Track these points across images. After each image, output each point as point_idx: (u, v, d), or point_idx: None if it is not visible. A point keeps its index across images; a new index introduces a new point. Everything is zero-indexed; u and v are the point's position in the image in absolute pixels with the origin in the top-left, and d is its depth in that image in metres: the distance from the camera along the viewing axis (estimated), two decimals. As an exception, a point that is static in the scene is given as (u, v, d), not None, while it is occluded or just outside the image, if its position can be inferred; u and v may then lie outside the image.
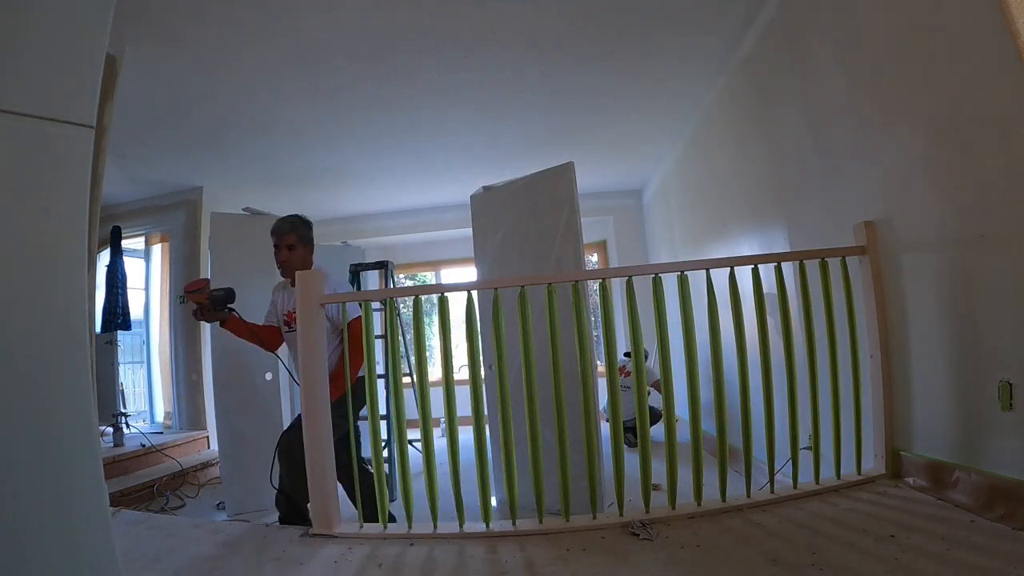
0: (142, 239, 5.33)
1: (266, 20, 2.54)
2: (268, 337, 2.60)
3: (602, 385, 2.07)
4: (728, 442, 1.98)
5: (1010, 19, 1.37)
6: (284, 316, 2.60)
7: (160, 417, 5.08)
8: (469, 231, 3.37)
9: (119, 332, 4.53)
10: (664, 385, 2.05)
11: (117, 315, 4.38)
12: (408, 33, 2.73)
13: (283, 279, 2.64)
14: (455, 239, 6.43)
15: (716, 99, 3.50)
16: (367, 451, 2.64)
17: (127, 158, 4.04)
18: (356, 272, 3.94)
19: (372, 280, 4.71)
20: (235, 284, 3.45)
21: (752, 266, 2.02)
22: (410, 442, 2.33)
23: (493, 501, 2.42)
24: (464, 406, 1.90)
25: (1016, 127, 1.42)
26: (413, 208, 6.07)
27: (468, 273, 6.94)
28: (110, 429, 4.05)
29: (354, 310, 2.38)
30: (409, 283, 7.33)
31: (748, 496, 1.93)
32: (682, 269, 1.99)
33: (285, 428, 2.62)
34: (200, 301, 2.36)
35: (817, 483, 1.98)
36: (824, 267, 2.03)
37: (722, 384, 1.94)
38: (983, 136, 1.55)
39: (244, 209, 3.72)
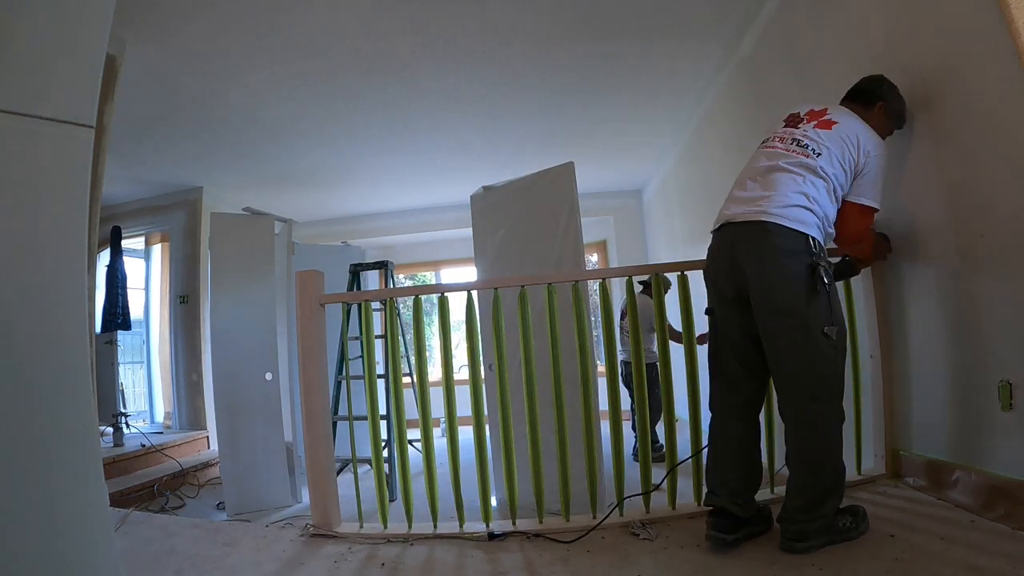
0: (142, 239, 5.34)
1: (266, 20, 2.54)
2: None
3: (602, 385, 2.06)
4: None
5: (1010, 19, 1.37)
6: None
7: (160, 417, 5.09)
8: (469, 231, 3.36)
9: (119, 332, 4.54)
10: (664, 385, 2.05)
11: (117, 315, 4.38)
12: (408, 33, 2.74)
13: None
14: (455, 239, 6.43)
15: (716, 99, 3.50)
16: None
17: (127, 158, 4.04)
18: (356, 272, 3.94)
19: (372, 280, 4.72)
20: (235, 284, 3.48)
21: (752, 266, 2.02)
22: (410, 442, 2.33)
23: (493, 501, 2.42)
24: (464, 406, 1.90)
25: (1016, 127, 1.42)
26: (413, 208, 6.07)
27: (468, 273, 6.94)
28: (110, 429, 4.05)
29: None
30: (409, 283, 7.33)
31: (748, 496, 1.93)
32: (682, 269, 1.99)
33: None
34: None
35: (817, 483, 1.97)
36: (824, 267, 2.03)
37: (722, 384, 1.94)
38: (983, 136, 1.55)
39: (244, 209, 3.73)
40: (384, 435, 3.21)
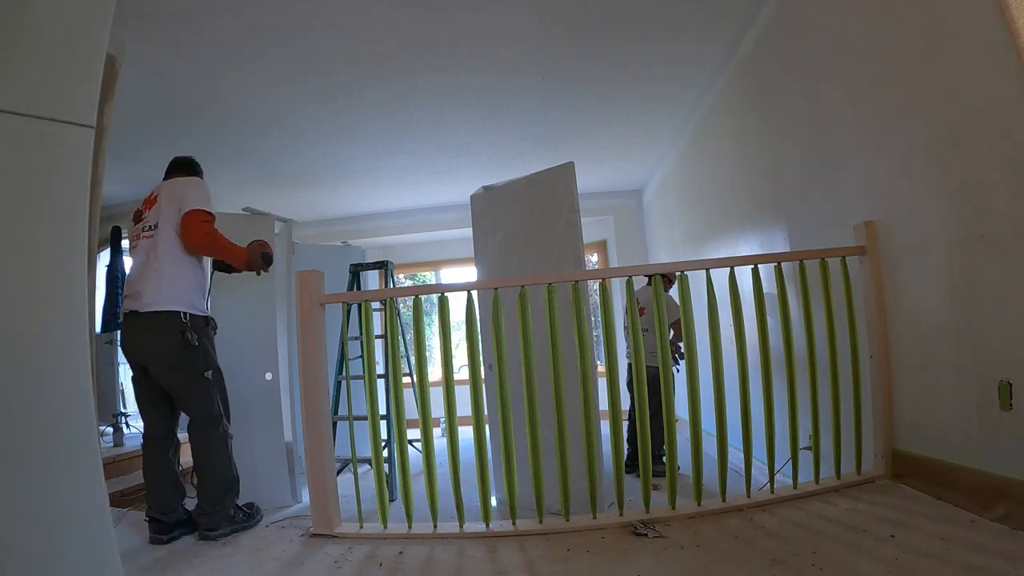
0: (142, 239, 5.31)
1: (266, 20, 2.54)
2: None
3: (602, 385, 2.05)
4: (728, 442, 1.98)
5: (1010, 19, 1.37)
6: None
7: (160, 417, 5.07)
8: (469, 231, 3.36)
9: (119, 332, 4.53)
10: (664, 385, 2.05)
11: (117, 315, 4.37)
12: (408, 34, 2.73)
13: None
14: (455, 239, 6.43)
15: (716, 99, 3.50)
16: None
17: (127, 158, 4.04)
18: (356, 272, 3.94)
19: (372, 280, 4.71)
20: (234, 284, 3.48)
21: (752, 266, 2.03)
22: (410, 442, 2.33)
23: (493, 501, 2.42)
24: (464, 406, 1.90)
25: (1015, 127, 1.42)
26: (413, 208, 6.07)
27: (468, 273, 6.94)
28: (110, 429, 4.06)
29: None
30: (409, 283, 7.33)
31: (748, 496, 1.93)
32: (682, 269, 2.00)
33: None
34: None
35: (817, 483, 1.98)
36: (824, 267, 2.03)
37: (722, 384, 1.94)
38: (983, 136, 1.55)
39: (244, 209, 3.72)
40: (384, 435, 3.22)
